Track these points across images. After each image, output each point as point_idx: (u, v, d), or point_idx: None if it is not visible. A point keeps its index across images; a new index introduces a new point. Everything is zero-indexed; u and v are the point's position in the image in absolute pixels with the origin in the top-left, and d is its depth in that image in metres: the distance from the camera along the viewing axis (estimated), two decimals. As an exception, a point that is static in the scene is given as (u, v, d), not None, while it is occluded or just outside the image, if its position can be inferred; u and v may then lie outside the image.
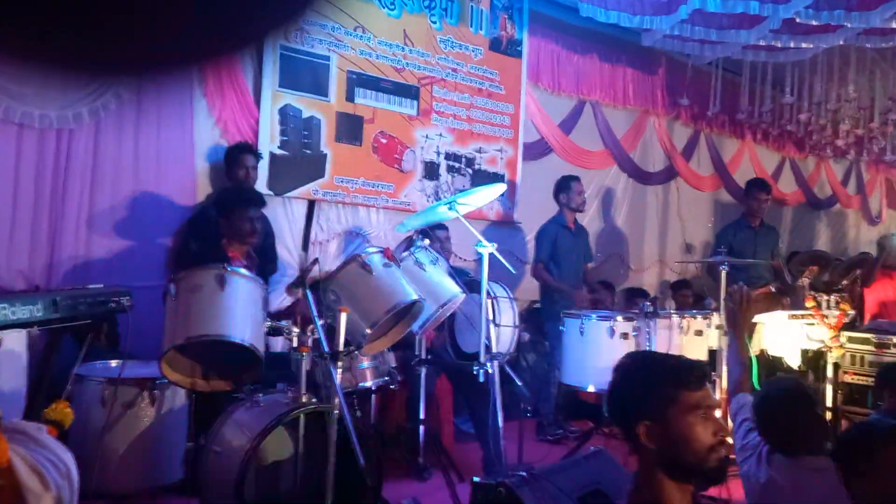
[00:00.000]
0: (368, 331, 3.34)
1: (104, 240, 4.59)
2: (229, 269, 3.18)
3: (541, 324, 6.09)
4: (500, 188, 4.14)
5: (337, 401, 2.99)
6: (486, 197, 3.91)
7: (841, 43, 6.20)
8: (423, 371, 4.42)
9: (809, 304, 5.53)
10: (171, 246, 4.78)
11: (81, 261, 4.47)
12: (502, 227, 6.66)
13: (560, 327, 5.01)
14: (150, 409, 3.45)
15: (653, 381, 1.86)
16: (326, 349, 3.15)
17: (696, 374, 1.85)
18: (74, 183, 4.44)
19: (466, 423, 5.24)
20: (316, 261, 3.42)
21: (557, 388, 5.69)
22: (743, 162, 9.13)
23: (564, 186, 5.98)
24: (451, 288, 3.88)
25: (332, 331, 3.22)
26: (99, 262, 4.53)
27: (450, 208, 3.84)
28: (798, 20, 5.55)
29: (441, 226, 5.22)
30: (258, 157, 4.95)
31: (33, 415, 2.94)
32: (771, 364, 5.75)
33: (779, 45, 6.37)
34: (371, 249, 3.53)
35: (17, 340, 2.77)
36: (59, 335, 3.15)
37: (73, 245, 4.46)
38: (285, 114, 5.30)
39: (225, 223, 4.20)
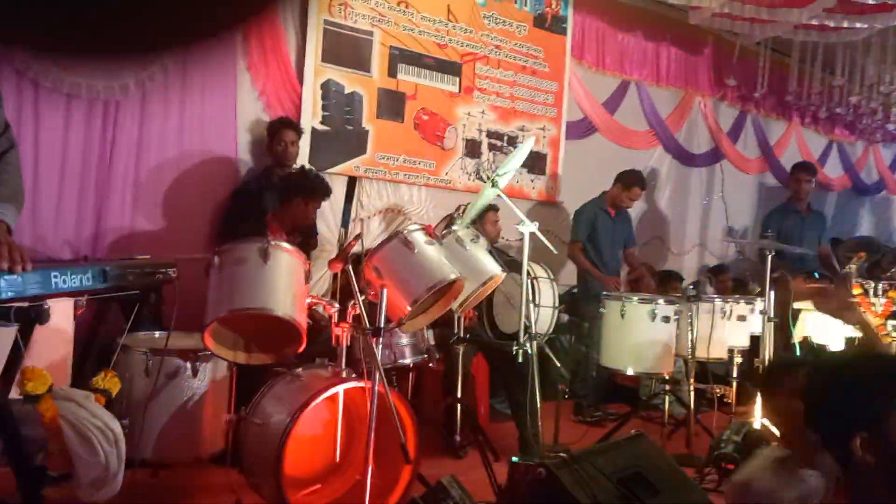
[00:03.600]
0: (409, 308, 3.32)
1: (149, 211, 4.64)
2: (273, 242, 3.18)
3: (578, 305, 6.03)
4: (529, 144, 4.05)
5: (377, 376, 2.98)
6: (521, 158, 3.85)
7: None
8: (461, 350, 4.40)
9: (856, 291, 5.41)
10: (214, 218, 4.82)
11: (126, 231, 4.52)
12: (545, 206, 6.60)
13: (600, 309, 4.96)
14: (192, 380, 3.49)
15: (873, 387, 1.67)
16: (367, 325, 3.14)
17: None
18: (120, 154, 4.49)
19: (502, 403, 5.23)
20: (359, 236, 3.39)
21: (595, 369, 5.65)
22: (790, 145, 8.93)
23: (626, 184, 5.88)
24: (492, 267, 3.85)
25: (372, 307, 3.21)
26: (143, 234, 4.58)
27: (493, 185, 3.79)
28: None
29: (493, 207, 5.19)
30: (299, 132, 4.95)
31: (80, 383, 2.99)
32: (815, 351, 5.65)
33: (832, 25, 6.17)
34: (413, 226, 3.50)
35: (64, 309, 2.80)
36: (108, 305, 3.19)
37: (119, 216, 4.52)
38: (327, 89, 5.29)
39: (284, 205, 4.21)
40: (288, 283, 3.17)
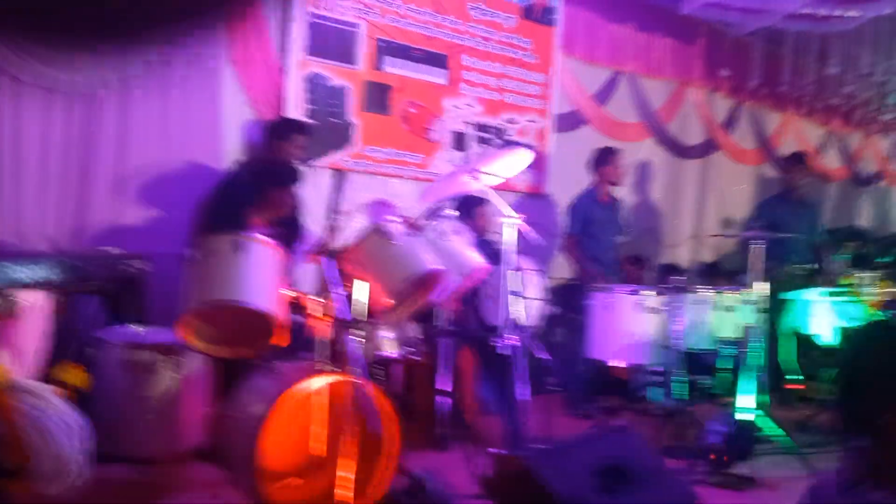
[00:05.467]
0: (388, 300, 3.30)
1: (132, 206, 4.62)
2: (246, 234, 3.15)
3: (572, 298, 6.00)
4: (526, 155, 4.03)
5: (355, 369, 2.96)
6: (511, 165, 3.82)
7: (889, 12, 5.94)
8: (446, 343, 4.37)
9: (847, 281, 5.38)
10: (198, 212, 4.78)
11: (108, 226, 4.50)
12: (533, 199, 6.57)
13: (587, 300, 4.93)
14: (170, 375, 3.46)
15: None
16: (344, 318, 3.12)
17: None
18: (102, 148, 4.47)
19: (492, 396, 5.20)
20: (336, 228, 3.37)
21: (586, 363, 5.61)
22: (787, 136, 8.87)
23: (604, 160, 5.85)
24: (474, 258, 3.82)
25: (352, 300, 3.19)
26: (126, 229, 4.56)
27: (472, 178, 3.76)
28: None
29: (482, 200, 5.16)
30: (309, 136, 4.92)
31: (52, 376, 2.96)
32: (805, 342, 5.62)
33: (823, 14, 6.12)
34: (392, 218, 3.47)
35: (37, 301, 2.78)
36: (72, 297, 3.16)
37: (101, 211, 4.50)
38: (312, 82, 5.25)
39: (260, 196, 4.19)
40: (261, 274, 3.14)
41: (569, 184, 6.25)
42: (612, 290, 4.81)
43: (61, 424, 1.92)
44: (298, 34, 5.17)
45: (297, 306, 3.52)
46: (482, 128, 6.21)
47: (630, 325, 4.71)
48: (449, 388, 4.47)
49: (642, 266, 6.79)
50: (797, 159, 6.44)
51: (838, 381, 1.81)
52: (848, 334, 4.83)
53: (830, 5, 5.98)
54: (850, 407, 1.78)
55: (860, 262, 5.69)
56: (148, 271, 3.23)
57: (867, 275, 5.38)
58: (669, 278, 5.07)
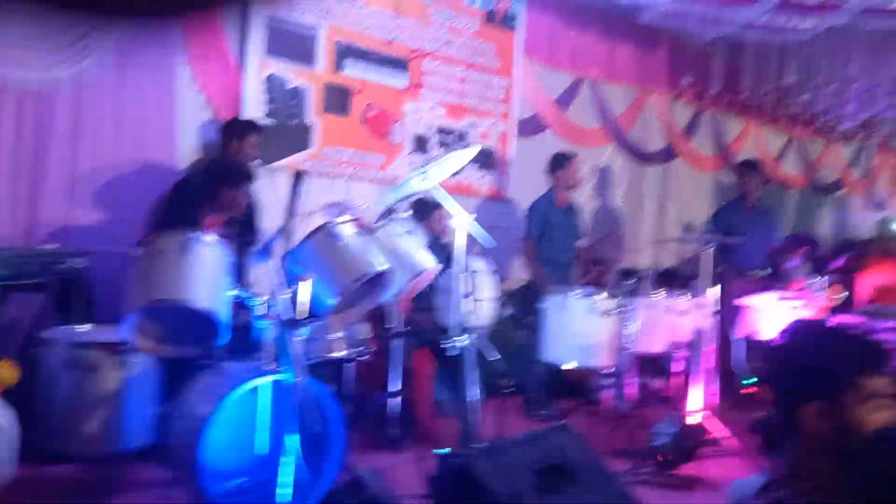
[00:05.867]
0: (335, 300, 3.32)
1: (85, 205, 4.59)
2: (194, 234, 3.15)
3: (528, 301, 6.04)
4: (473, 151, 4.06)
5: (298, 369, 2.97)
6: (459, 161, 3.84)
7: (843, 23, 6.06)
8: (397, 343, 4.39)
9: (799, 286, 5.48)
10: (152, 211, 4.77)
11: (61, 225, 4.46)
12: (495, 203, 6.62)
13: (541, 303, 4.98)
14: (116, 374, 3.45)
15: (834, 360, 1.71)
16: (291, 318, 3.13)
17: (880, 358, 1.72)
18: (54, 147, 4.44)
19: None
20: (283, 229, 3.37)
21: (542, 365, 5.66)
22: (747, 143, 9.01)
23: (560, 164, 5.91)
24: (426, 259, 3.84)
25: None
26: (79, 228, 4.52)
27: (423, 178, 3.78)
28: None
29: (439, 204, 5.17)
30: (263, 134, 4.92)
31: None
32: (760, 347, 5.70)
33: (779, 24, 6.23)
34: (342, 218, 3.48)
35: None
36: (13, 294, 3.14)
37: (54, 210, 4.46)
38: (271, 83, 5.25)
39: (211, 196, 4.18)
40: (208, 275, 3.15)
41: (531, 188, 6.29)
42: (565, 293, 4.85)
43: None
44: (257, 35, 5.17)
45: (244, 306, 3.53)
46: (444, 131, 6.25)
47: (583, 328, 4.75)
48: (400, 389, 4.49)
49: (604, 269, 6.86)
50: (751, 166, 6.54)
51: (768, 380, 1.88)
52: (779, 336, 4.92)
53: (786, 15, 6.08)
54: (776, 402, 1.84)
55: (812, 268, 5.78)
56: (92, 269, 3.22)
57: (818, 280, 5.48)
58: (622, 282, 5.14)
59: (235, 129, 4.82)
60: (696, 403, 4.68)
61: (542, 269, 5.78)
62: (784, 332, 1.87)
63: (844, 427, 1.66)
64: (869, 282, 6.96)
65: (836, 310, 5.41)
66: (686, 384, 4.95)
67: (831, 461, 1.68)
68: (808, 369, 1.75)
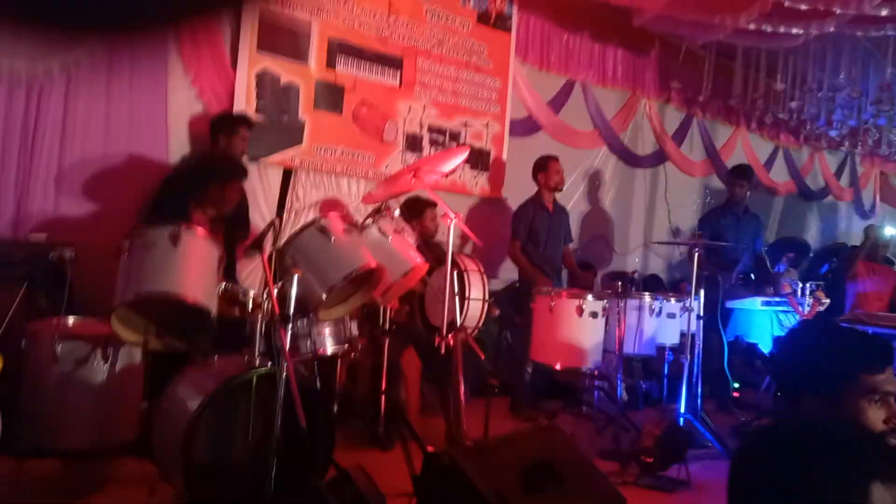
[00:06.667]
0: (324, 296, 3.31)
1: (75, 196, 4.57)
2: (184, 227, 3.14)
3: (518, 302, 6.06)
4: (463, 151, 4.07)
5: (284, 364, 2.97)
6: (449, 162, 3.86)
7: (832, 30, 6.11)
8: (388, 341, 4.39)
9: (785, 290, 5.52)
10: (142, 204, 4.75)
11: (50, 216, 4.44)
12: (489, 203, 6.63)
13: (530, 304, 4.99)
14: (103, 367, 3.41)
15: (830, 356, 1.75)
16: (281, 313, 3.12)
17: (878, 356, 1.74)
18: (44, 138, 4.42)
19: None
20: (272, 224, 3.37)
21: (531, 366, 5.68)
22: (736, 149, 9.06)
23: (542, 166, 5.95)
24: (415, 258, 3.85)
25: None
26: (67, 219, 4.51)
27: (416, 178, 3.79)
28: (786, 3, 5.47)
29: (431, 203, 5.19)
30: (252, 127, 4.90)
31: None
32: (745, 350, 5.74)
33: (770, 31, 6.27)
34: (332, 214, 3.49)
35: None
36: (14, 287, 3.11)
37: (42, 200, 4.45)
38: (263, 78, 5.24)
39: (203, 190, 4.16)
40: (198, 268, 3.14)
41: (524, 189, 6.31)
42: (555, 294, 4.86)
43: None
44: (250, 29, 5.15)
45: (233, 300, 3.53)
46: (437, 130, 6.25)
47: (572, 329, 4.77)
48: (388, 387, 4.49)
49: (591, 272, 6.89)
50: (741, 172, 6.58)
51: (773, 374, 1.95)
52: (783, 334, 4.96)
53: (775, 23, 6.11)
54: (779, 396, 1.90)
55: (800, 273, 5.83)
56: (80, 261, 3.19)
57: (806, 285, 5.51)
58: (612, 284, 5.16)
59: (225, 124, 4.81)
60: (684, 405, 4.71)
61: (531, 270, 5.80)
62: (790, 329, 1.91)
63: (839, 419, 1.68)
64: (854, 289, 7.02)
65: (820, 315, 5.44)
66: (673, 386, 4.98)
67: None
68: (811, 363, 1.78)
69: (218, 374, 3.27)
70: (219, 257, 3.28)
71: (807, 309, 5.30)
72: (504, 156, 6.69)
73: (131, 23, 4.52)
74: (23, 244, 2.93)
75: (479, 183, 6.57)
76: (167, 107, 4.88)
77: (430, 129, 6.20)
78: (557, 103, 7.16)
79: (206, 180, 4.14)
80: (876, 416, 1.69)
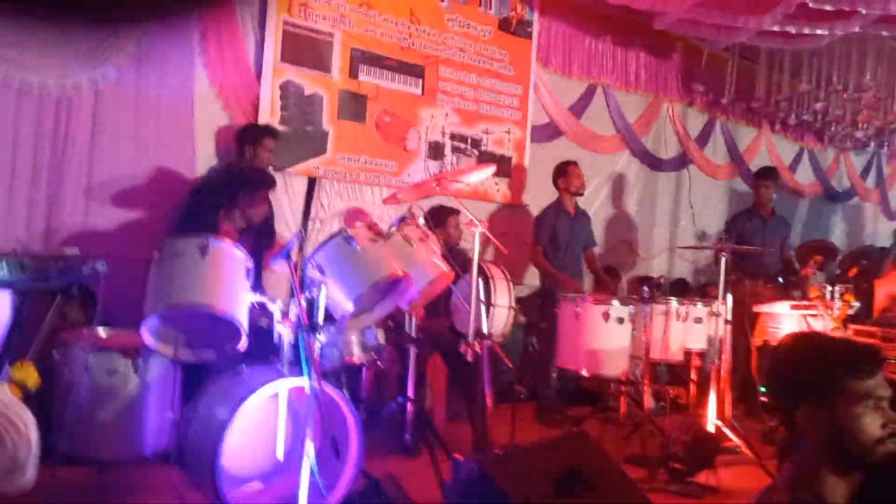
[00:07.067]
0: (351, 305, 3.32)
1: (103, 210, 4.62)
2: (213, 238, 3.17)
3: (543, 308, 6.04)
4: (489, 169, 4.08)
5: (313, 374, 2.98)
6: (475, 176, 3.87)
7: (857, 30, 6.05)
8: (412, 349, 4.40)
9: (814, 294, 5.45)
10: (171, 217, 4.80)
11: (79, 229, 4.50)
12: (510, 209, 6.63)
13: (555, 310, 4.97)
14: (134, 377, 3.46)
15: (819, 366, 1.75)
16: (310, 323, 3.14)
17: (867, 361, 1.74)
18: (73, 152, 4.48)
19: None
20: (300, 234, 3.39)
21: (556, 372, 5.66)
22: (760, 151, 8.99)
23: (561, 171, 5.96)
24: (440, 266, 3.85)
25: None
26: (98, 232, 4.56)
27: (441, 187, 3.80)
28: (810, 4, 5.42)
29: (454, 210, 5.20)
30: (278, 138, 4.95)
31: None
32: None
33: (793, 32, 6.22)
34: (358, 224, 3.50)
35: (-2, 301, 2.79)
36: (32, 298, 3.16)
37: (72, 213, 4.50)
38: (287, 89, 5.29)
39: (230, 201, 4.20)
40: (227, 279, 3.17)
41: (546, 195, 6.30)
42: (580, 300, 4.84)
43: (13, 422, 1.93)
44: (273, 41, 5.20)
45: (262, 311, 3.55)
46: (458, 138, 6.26)
47: (598, 335, 4.74)
48: (415, 395, 4.49)
49: (615, 277, 6.86)
50: (766, 174, 6.52)
51: (769, 387, 1.96)
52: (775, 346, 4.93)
53: (799, 24, 6.07)
54: (777, 410, 1.90)
55: (827, 277, 5.77)
56: (111, 274, 3.23)
57: (835, 288, 5.45)
58: (639, 289, 5.13)
59: (251, 135, 4.85)
60: (712, 411, 4.67)
61: (555, 276, 5.78)
62: (777, 344, 1.92)
63: (838, 431, 1.69)
64: (884, 291, 6.92)
65: (850, 319, 5.37)
66: (701, 392, 4.94)
67: (827, 465, 1.71)
68: (799, 374, 1.79)
69: (246, 384, 3.29)
70: (248, 268, 3.31)
71: (836, 312, 5.23)
72: (525, 162, 6.70)
73: (157, 35, 4.58)
74: (56, 258, 2.97)
75: (500, 189, 6.58)
76: (194, 119, 4.92)
77: (452, 137, 6.21)
78: (579, 108, 7.16)
79: (234, 191, 4.18)
80: (873, 422, 1.68)
